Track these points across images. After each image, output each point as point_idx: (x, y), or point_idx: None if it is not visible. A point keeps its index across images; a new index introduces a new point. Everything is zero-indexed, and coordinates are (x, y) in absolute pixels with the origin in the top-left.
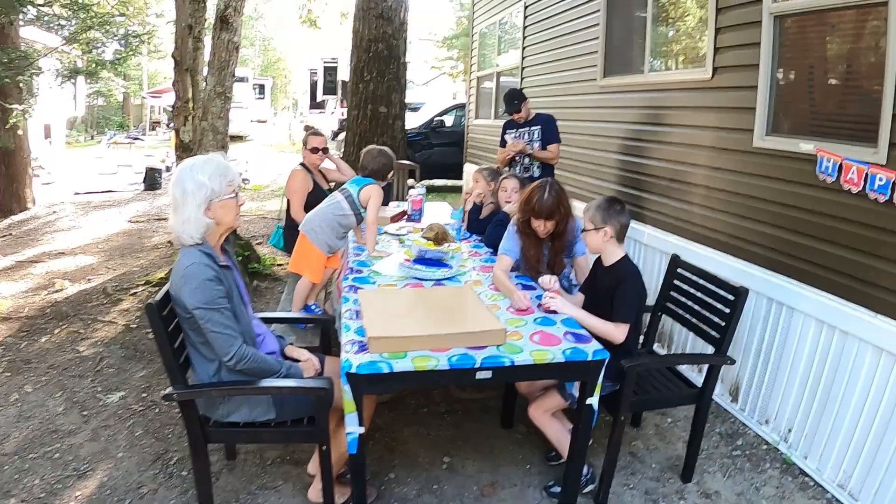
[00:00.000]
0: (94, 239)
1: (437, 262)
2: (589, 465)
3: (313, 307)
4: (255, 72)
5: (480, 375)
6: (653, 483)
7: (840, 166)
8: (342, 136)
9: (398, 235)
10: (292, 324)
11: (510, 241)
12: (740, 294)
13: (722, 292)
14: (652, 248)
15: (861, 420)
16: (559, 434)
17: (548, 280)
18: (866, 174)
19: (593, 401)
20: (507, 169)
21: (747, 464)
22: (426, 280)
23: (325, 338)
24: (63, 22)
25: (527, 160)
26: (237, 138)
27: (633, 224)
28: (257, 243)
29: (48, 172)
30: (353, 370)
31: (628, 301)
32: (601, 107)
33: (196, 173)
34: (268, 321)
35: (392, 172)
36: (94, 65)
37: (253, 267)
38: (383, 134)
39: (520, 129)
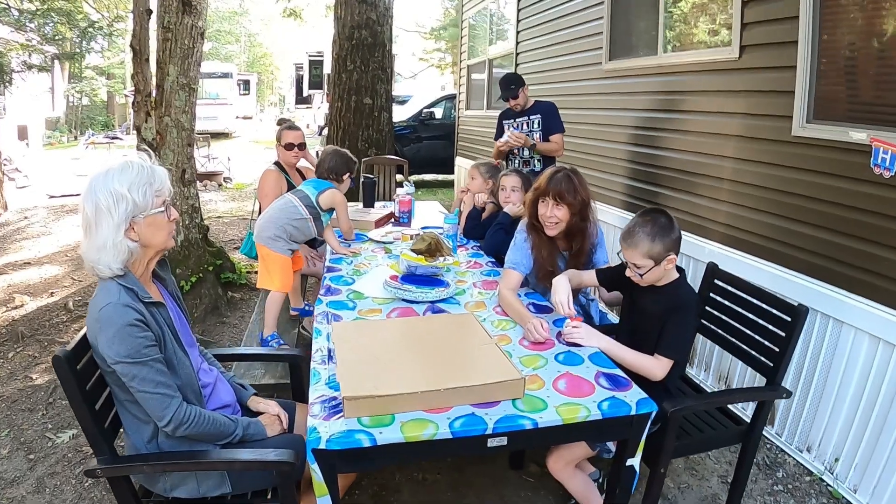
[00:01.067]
0: (63, 247)
1: (431, 280)
2: None
3: (306, 307)
4: (240, 67)
5: (494, 443)
6: None
7: None
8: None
9: (384, 243)
10: (256, 360)
11: (518, 251)
12: (799, 315)
13: (776, 311)
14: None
15: None
16: (586, 491)
17: (562, 303)
18: None
19: (634, 462)
20: (506, 164)
21: (791, 501)
22: (417, 303)
23: (296, 378)
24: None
25: (526, 153)
26: (222, 135)
27: None
28: (234, 247)
29: (24, 175)
30: (321, 446)
31: (683, 335)
32: (607, 93)
33: (112, 182)
34: (225, 359)
35: (349, 175)
36: (51, 58)
37: (227, 277)
38: (368, 127)
39: (518, 119)
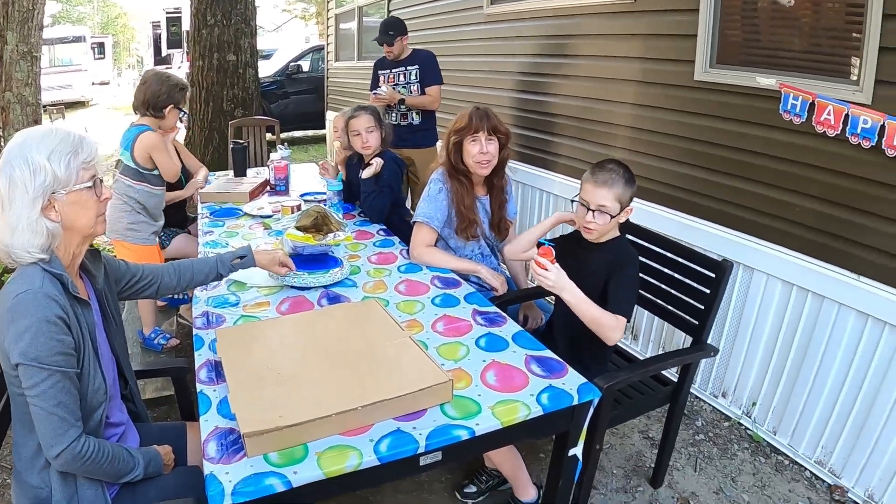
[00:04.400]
0: None
1: (322, 261)
2: (538, 488)
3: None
4: (93, 30)
5: (427, 461)
6: (621, 496)
7: (812, 105)
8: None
9: (262, 218)
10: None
11: (432, 203)
12: (724, 270)
13: (698, 268)
14: (565, 201)
15: (844, 391)
16: (515, 469)
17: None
18: (846, 115)
19: (577, 451)
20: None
21: (714, 449)
22: (309, 289)
23: (182, 391)
24: None
25: (403, 106)
26: (78, 104)
27: (541, 172)
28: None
29: None
30: (226, 500)
31: (632, 291)
32: (491, 38)
33: (29, 151)
34: None
35: (175, 106)
36: None
37: None
38: (234, 85)
39: (394, 70)
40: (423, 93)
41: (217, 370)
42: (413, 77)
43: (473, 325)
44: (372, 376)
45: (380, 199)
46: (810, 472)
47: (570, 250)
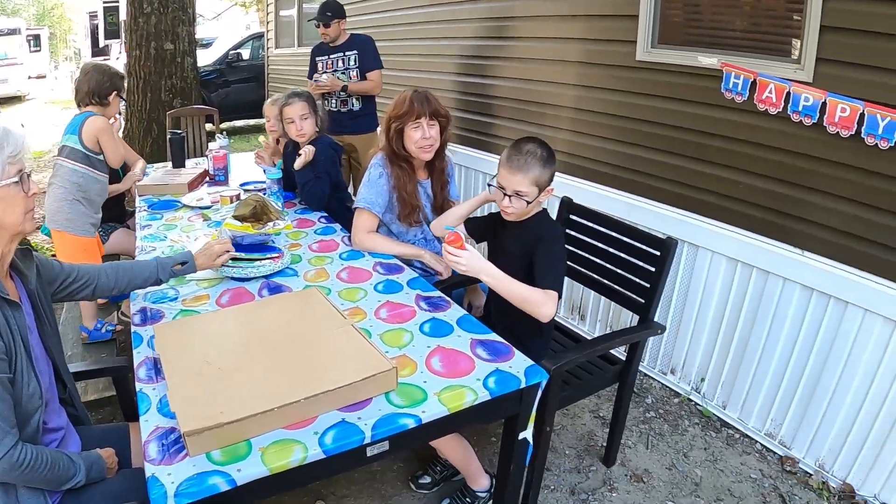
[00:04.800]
0: None
1: (261, 250)
2: (491, 477)
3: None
4: (28, 22)
5: (374, 451)
6: (574, 476)
7: (753, 83)
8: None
9: (202, 209)
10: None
11: (373, 189)
12: (669, 248)
13: (643, 246)
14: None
15: (791, 364)
16: (465, 458)
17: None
18: (787, 93)
19: (527, 434)
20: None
21: (665, 426)
22: (250, 279)
23: (124, 391)
24: None
25: (343, 93)
26: (14, 99)
27: (483, 155)
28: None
29: None
30: (169, 502)
31: (558, 263)
32: (431, 21)
33: None
34: None
35: (118, 93)
36: None
37: None
38: (172, 75)
39: (332, 56)
40: (363, 78)
41: (157, 368)
42: (352, 62)
43: (417, 310)
44: (314, 367)
45: (318, 186)
46: (761, 444)
47: (492, 230)
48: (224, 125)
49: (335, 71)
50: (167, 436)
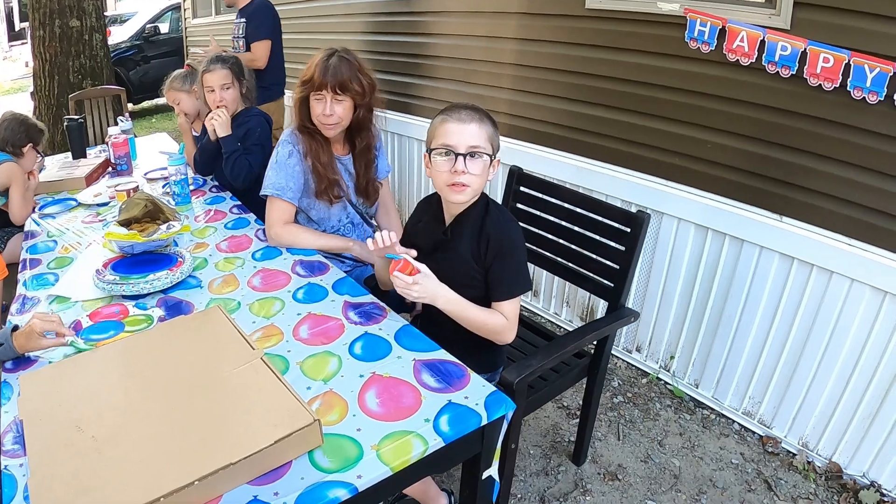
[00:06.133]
0: None
1: (156, 260)
2: (449, 494)
3: None
4: None
5: None
6: (543, 480)
7: (722, 31)
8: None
9: (99, 206)
10: None
11: (282, 171)
12: (640, 223)
13: (609, 222)
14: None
15: (770, 337)
16: (422, 487)
17: (384, 237)
18: (762, 42)
19: (492, 471)
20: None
21: (635, 411)
22: (144, 296)
23: None
24: None
25: None
26: None
27: (415, 120)
28: None
29: None
30: None
31: (521, 273)
32: None
33: None
34: None
35: (34, 146)
36: None
37: None
38: (80, 54)
39: (235, 21)
40: (248, 49)
41: (21, 445)
42: (240, 31)
43: (346, 324)
44: (215, 427)
45: (245, 159)
46: (739, 424)
47: (433, 240)
48: (146, 104)
49: (237, 38)
50: None
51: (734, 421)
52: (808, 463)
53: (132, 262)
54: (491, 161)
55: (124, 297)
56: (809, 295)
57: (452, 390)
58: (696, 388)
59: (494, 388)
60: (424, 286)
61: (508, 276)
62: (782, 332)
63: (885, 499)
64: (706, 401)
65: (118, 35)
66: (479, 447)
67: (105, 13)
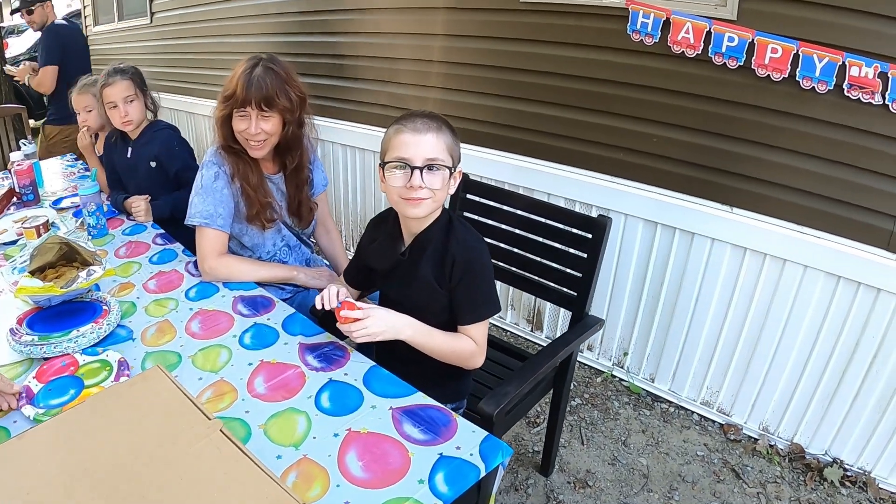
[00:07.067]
0: None
1: (76, 311)
2: None
3: None
4: None
5: None
6: (514, 496)
7: (666, 23)
8: None
9: (5, 246)
10: None
11: (208, 197)
12: (602, 228)
13: (569, 228)
14: (366, 152)
15: (724, 328)
16: None
17: (332, 294)
18: (708, 33)
19: None
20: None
21: (595, 412)
22: (67, 356)
23: None
24: None
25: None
26: None
27: (341, 125)
28: None
29: None
30: None
31: (490, 291)
32: None
33: None
34: None
35: None
36: None
37: None
38: None
39: None
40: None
41: None
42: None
43: (305, 371)
44: None
45: (162, 209)
46: (699, 415)
47: (390, 262)
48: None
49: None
50: None
51: (693, 412)
52: (771, 446)
53: (50, 315)
54: (451, 173)
55: (45, 359)
56: (763, 283)
57: (441, 441)
58: (653, 382)
59: (486, 434)
60: (381, 321)
61: (476, 298)
62: (737, 322)
63: (849, 473)
64: (663, 394)
65: (16, 47)
66: (475, 498)
67: (0, 24)
